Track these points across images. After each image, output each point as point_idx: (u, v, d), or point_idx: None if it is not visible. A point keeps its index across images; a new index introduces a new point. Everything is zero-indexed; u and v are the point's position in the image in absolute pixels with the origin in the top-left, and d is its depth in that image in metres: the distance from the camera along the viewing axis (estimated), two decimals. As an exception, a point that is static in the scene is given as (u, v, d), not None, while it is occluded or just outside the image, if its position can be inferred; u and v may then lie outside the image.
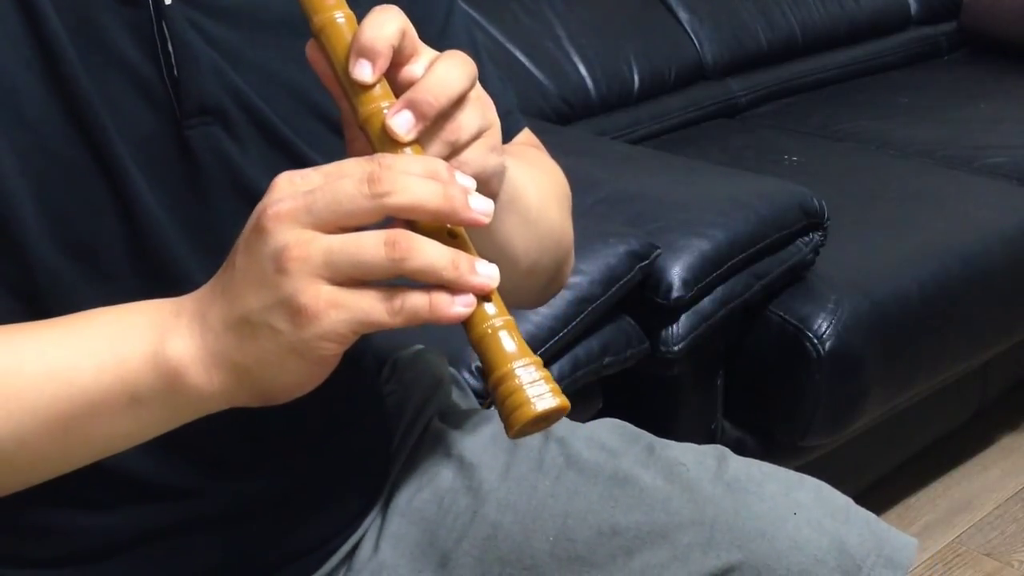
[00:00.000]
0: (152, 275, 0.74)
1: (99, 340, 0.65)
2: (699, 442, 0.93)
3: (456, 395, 1.04)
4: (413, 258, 0.59)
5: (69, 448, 0.67)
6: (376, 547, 0.91)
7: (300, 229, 0.59)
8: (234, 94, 0.75)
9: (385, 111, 0.64)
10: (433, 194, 0.60)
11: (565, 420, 0.96)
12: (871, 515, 0.90)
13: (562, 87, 2.23)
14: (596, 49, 2.29)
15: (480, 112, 0.67)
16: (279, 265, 0.59)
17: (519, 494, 0.90)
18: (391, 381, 1.02)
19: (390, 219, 0.61)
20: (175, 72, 0.72)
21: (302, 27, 0.67)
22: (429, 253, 0.59)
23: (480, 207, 0.62)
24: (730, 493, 0.86)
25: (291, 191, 0.60)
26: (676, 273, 1.54)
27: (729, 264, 1.59)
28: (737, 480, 0.87)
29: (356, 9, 0.66)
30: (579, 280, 1.46)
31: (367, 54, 0.64)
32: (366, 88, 0.64)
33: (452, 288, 0.60)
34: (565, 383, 1.47)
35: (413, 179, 0.60)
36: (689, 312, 1.57)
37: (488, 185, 0.69)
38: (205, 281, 0.65)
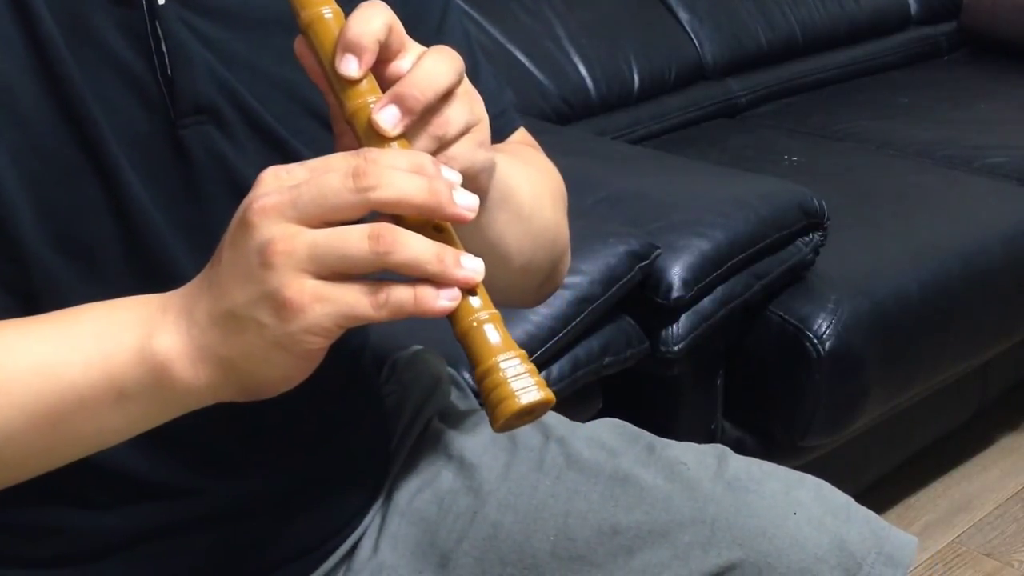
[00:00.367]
0: (147, 273, 0.74)
1: (87, 336, 0.65)
2: (699, 442, 0.93)
3: (455, 395, 1.04)
4: (397, 252, 0.59)
5: (58, 443, 0.67)
6: (375, 547, 0.91)
7: (285, 223, 0.59)
8: (228, 93, 0.75)
9: (371, 106, 0.64)
10: (418, 189, 0.60)
11: (565, 420, 0.96)
12: (871, 513, 0.90)
13: (562, 87, 2.23)
14: (596, 49, 2.29)
15: (468, 107, 0.67)
16: (264, 259, 0.59)
17: (519, 494, 0.90)
18: (390, 382, 1.02)
19: (377, 213, 0.61)
20: (169, 72, 0.73)
21: (295, 26, 0.67)
22: (413, 247, 0.60)
23: (465, 202, 0.62)
24: (730, 492, 0.86)
25: (277, 186, 0.61)
26: (676, 273, 1.54)
27: (729, 264, 1.59)
28: (737, 479, 0.87)
29: (346, 6, 0.66)
30: (579, 280, 1.46)
31: (353, 49, 0.64)
32: (353, 83, 0.65)
33: (437, 282, 0.60)
34: (565, 383, 1.47)
35: (398, 173, 0.60)
36: (689, 312, 1.57)
37: (476, 180, 0.70)
38: None
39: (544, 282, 0.93)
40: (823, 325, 1.64)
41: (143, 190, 0.73)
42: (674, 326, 1.56)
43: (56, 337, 0.66)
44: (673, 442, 0.92)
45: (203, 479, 0.81)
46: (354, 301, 0.59)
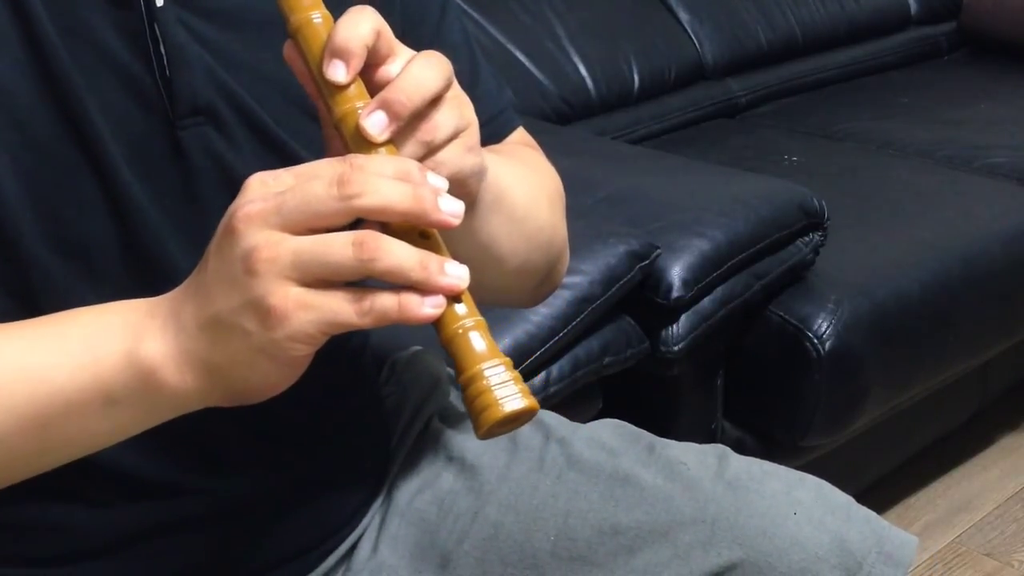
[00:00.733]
0: (144, 274, 0.74)
1: (75, 340, 0.66)
2: (699, 442, 0.93)
3: (455, 395, 1.04)
4: (381, 259, 0.59)
5: (47, 447, 0.68)
6: (375, 547, 0.91)
7: (269, 231, 0.59)
8: (226, 94, 0.75)
9: (359, 111, 0.64)
10: (402, 196, 0.60)
11: (565, 420, 0.96)
12: (871, 513, 0.90)
13: (562, 87, 2.23)
14: (596, 49, 2.29)
15: (457, 112, 0.67)
16: (248, 266, 0.59)
17: (520, 494, 0.90)
18: (390, 382, 1.02)
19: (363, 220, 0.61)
20: (167, 73, 0.73)
21: None
22: (397, 254, 0.59)
23: (450, 209, 0.62)
24: (731, 491, 0.86)
25: (262, 192, 0.61)
26: (676, 273, 1.54)
27: (729, 264, 1.59)
28: (738, 478, 0.87)
29: (337, 10, 0.66)
30: (579, 280, 1.46)
31: (341, 54, 0.64)
32: (340, 88, 0.65)
33: (421, 289, 0.60)
34: (565, 383, 1.47)
35: (383, 181, 0.60)
36: (689, 312, 1.57)
37: (466, 185, 0.70)
38: None
39: (541, 283, 0.93)
40: (823, 325, 1.64)
41: (141, 190, 0.73)
42: (674, 326, 1.56)
43: (45, 341, 0.67)
44: (673, 442, 0.92)
45: (203, 478, 0.81)
46: (338, 308, 0.59)
